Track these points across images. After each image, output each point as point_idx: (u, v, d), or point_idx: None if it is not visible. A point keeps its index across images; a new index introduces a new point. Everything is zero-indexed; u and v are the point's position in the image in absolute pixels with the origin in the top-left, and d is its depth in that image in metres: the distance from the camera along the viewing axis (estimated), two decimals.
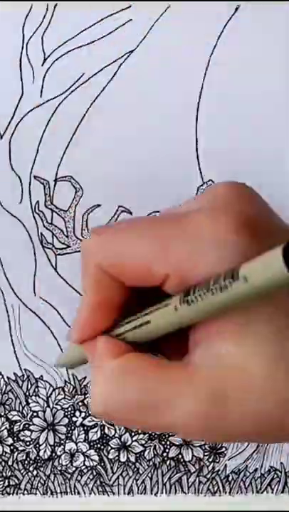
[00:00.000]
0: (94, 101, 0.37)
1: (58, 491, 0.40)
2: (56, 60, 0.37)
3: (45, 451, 0.40)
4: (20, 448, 0.40)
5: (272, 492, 0.40)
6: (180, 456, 0.40)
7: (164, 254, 0.25)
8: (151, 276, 0.26)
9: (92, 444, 0.40)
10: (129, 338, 0.28)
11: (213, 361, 0.25)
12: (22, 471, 0.40)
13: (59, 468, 0.40)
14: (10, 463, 0.40)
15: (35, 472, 0.40)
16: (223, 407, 0.25)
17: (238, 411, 0.25)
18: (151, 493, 0.40)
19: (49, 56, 0.37)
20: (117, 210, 0.38)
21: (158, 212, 0.38)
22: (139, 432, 0.40)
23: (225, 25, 0.37)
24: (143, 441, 0.40)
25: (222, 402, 0.25)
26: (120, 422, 0.28)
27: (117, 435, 0.40)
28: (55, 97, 0.37)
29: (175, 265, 0.25)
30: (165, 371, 0.26)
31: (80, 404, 0.40)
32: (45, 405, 0.40)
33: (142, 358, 0.27)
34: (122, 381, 0.26)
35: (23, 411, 0.40)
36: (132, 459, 0.40)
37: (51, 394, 0.40)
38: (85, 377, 0.40)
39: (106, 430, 0.40)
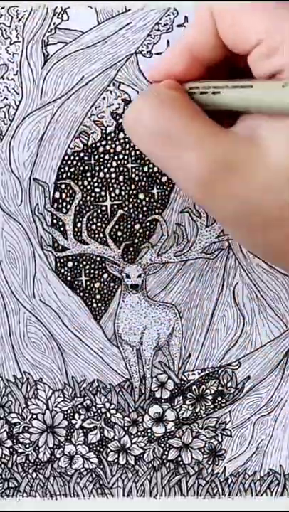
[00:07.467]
0: (94, 103, 0.37)
1: (58, 493, 0.40)
2: (56, 62, 0.37)
3: (44, 453, 0.40)
4: (20, 450, 0.40)
5: (272, 495, 0.40)
6: (179, 459, 0.40)
7: (274, 26, 0.26)
8: (245, 38, 0.27)
9: (91, 446, 0.40)
10: (199, 101, 0.29)
11: (241, 130, 0.27)
12: (21, 474, 0.40)
13: (58, 470, 0.40)
14: (9, 465, 0.40)
15: (34, 474, 0.40)
16: (226, 173, 0.26)
17: (236, 183, 0.26)
18: (151, 496, 0.40)
19: (49, 58, 0.37)
20: (117, 213, 0.38)
21: (159, 215, 0.38)
22: (139, 434, 0.40)
23: None
24: (142, 444, 0.40)
25: (227, 169, 0.26)
26: (141, 143, 0.29)
27: (116, 438, 0.40)
28: (55, 100, 0.37)
29: (268, 32, 0.26)
30: (200, 119, 0.28)
31: (80, 406, 0.40)
32: (45, 408, 0.40)
33: (190, 100, 0.29)
34: (163, 107, 0.28)
35: (23, 413, 0.40)
36: (132, 461, 0.40)
37: (50, 396, 0.40)
38: (84, 380, 0.40)
39: (105, 433, 0.40)
